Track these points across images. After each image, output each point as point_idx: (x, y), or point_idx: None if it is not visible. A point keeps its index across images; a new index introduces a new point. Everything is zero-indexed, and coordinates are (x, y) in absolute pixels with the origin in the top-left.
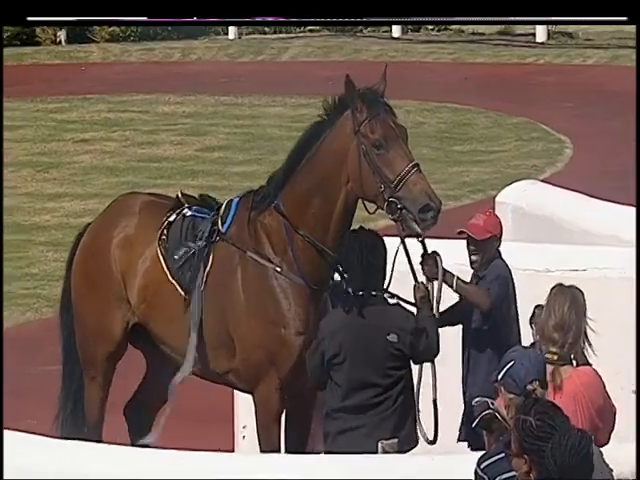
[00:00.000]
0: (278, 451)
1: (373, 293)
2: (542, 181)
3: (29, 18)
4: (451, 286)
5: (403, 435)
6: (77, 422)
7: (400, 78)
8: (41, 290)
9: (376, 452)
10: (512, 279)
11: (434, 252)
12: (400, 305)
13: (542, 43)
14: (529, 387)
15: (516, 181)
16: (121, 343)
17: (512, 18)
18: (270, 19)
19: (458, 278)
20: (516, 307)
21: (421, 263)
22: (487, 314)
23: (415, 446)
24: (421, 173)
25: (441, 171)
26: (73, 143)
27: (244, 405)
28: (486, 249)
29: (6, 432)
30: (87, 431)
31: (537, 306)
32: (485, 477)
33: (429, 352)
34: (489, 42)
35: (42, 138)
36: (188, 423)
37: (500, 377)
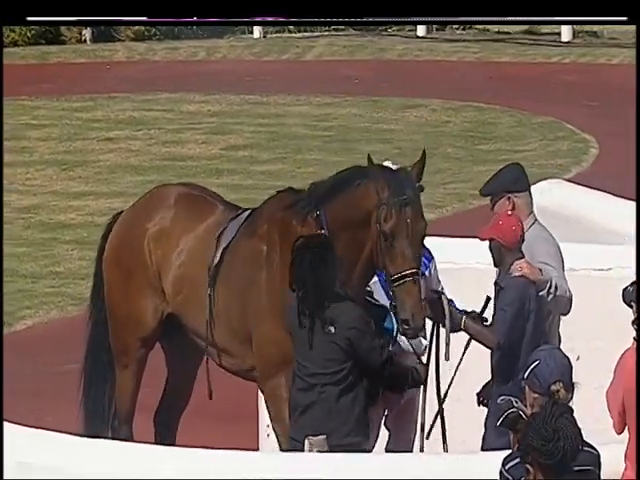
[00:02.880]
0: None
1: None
2: (567, 180)
3: (29, 18)
4: (459, 327)
5: (337, 434)
6: (99, 416)
7: (425, 77)
8: (66, 288)
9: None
10: (533, 294)
11: (442, 294)
12: (354, 302)
13: (567, 42)
14: (553, 388)
15: (541, 180)
16: (154, 331)
17: (511, 18)
18: (281, 19)
19: (467, 317)
20: (540, 319)
21: (429, 303)
22: (498, 347)
23: (366, 451)
24: (415, 284)
25: (466, 170)
26: (98, 142)
27: None
28: (510, 253)
29: (7, 425)
30: (117, 423)
31: (632, 283)
32: (510, 478)
33: (375, 358)
34: (514, 41)
35: (67, 137)
36: (212, 422)
37: (526, 376)
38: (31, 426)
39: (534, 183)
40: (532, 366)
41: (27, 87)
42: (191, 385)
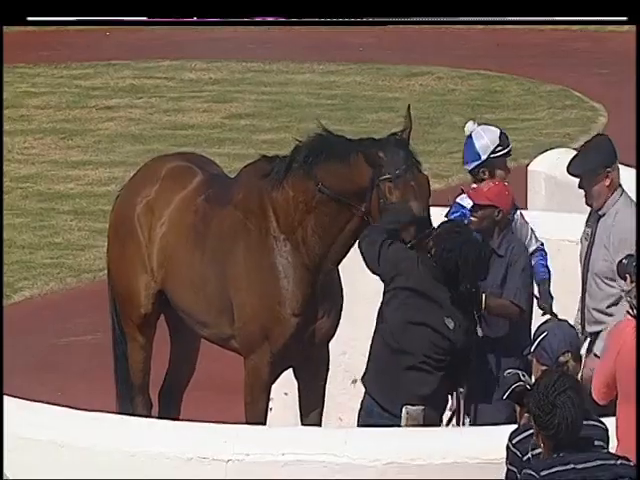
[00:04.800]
0: (264, 423)
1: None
2: (575, 149)
3: (29, 18)
4: (480, 306)
5: (430, 408)
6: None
7: (431, 44)
8: (65, 259)
9: (399, 414)
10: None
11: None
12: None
13: None
14: (561, 359)
15: (549, 149)
16: (148, 307)
17: (511, 18)
18: (281, 19)
19: (485, 296)
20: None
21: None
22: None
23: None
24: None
25: None
26: (98, 110)
27: None
28: (484, 216)
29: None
30: (134, 395)
31: (627, 256)
32: (517, 452)
33: (464, 354)
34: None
35: (66, 105)
36: (213, 395)
37: (533, 349)
38: (30, 400)
39: (542, 152)
40: (540, 338)
41: (25, 54)
42: (194, 359)
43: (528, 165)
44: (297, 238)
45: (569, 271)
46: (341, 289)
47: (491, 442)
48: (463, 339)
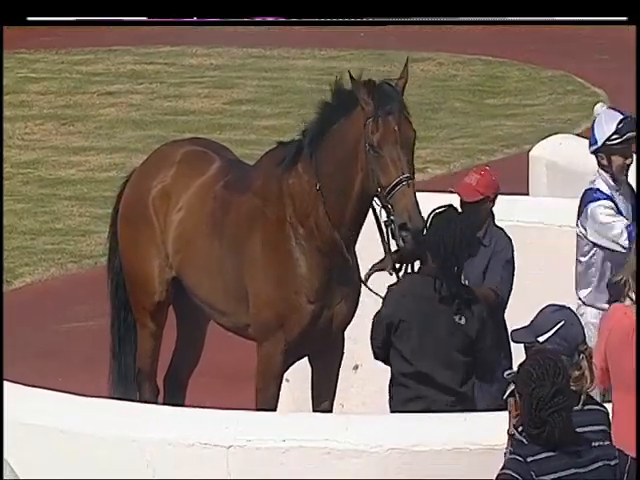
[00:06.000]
0: (274, 410)
1: (456, 269)
2: (577, 135)
3: (29, 18)
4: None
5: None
6: (130, 379)
7: (432, 29)
8: (66, 245)
9: None
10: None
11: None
12: (471, 289)
13: None
14: (580, 348)
15: (551, 135)
16: (162, 292)
17: (510, 18)
18: (281, 19)
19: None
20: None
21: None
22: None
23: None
24: (410, 187)
25: (474, 125)
26: (98, 96)
27: None
28: (478, 211)
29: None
30: (140, 382)
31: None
32: (523, 440)
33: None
34: None
35: (67, 90)
36: (218, 381)
37: (547, 337)
38: (32, 385)
39: (544, 138)
40: (557, 327)
41: (26, 40)
42: (201, 345)
43: (530, 151)
44: (311, 223)
45: (572, 257)
46: (358, 274)
47: (493, 428)
48: (478, 326)
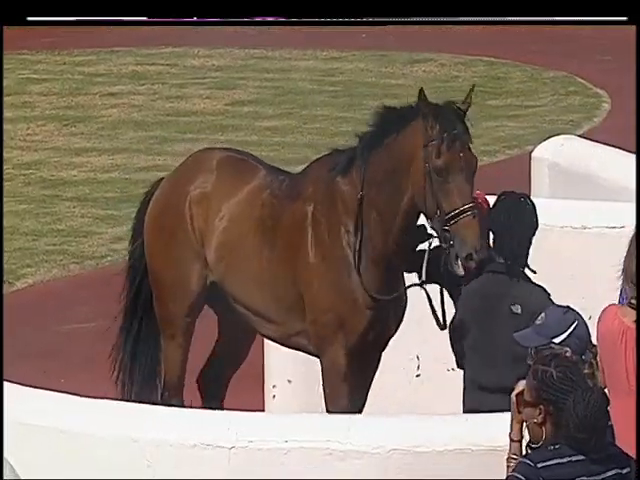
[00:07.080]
0: (346, 412)
1: (508, 262)
2: (579, 136)
3: (29, 18)
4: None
5: None
6: (147, 386)
7: (432, 30)
8: (68, 246)
9: None
10: None
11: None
12: (525, 280)
13: None
14: (589, 347)
15: (553, 136)
16: (198, 298)
17: (510, 18)
18: (281, 19)
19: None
20: None
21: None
22: None
23: None
24: (475, 218)
25: (476, 126)
26: (100, 97)
27: (274, 365)
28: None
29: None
30: (168, 395)
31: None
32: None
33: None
34: None
35: (69, 91)
36: None
37: (563, 339)
38: (32, 386)
39: (546, 139)
40: (572, 327)
41: (27, 41)
42: (246, 350)
43: (532, 152)
44: (364, 231)
45: (573, 258)
46: (404, 283)
47: (495, 429)
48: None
